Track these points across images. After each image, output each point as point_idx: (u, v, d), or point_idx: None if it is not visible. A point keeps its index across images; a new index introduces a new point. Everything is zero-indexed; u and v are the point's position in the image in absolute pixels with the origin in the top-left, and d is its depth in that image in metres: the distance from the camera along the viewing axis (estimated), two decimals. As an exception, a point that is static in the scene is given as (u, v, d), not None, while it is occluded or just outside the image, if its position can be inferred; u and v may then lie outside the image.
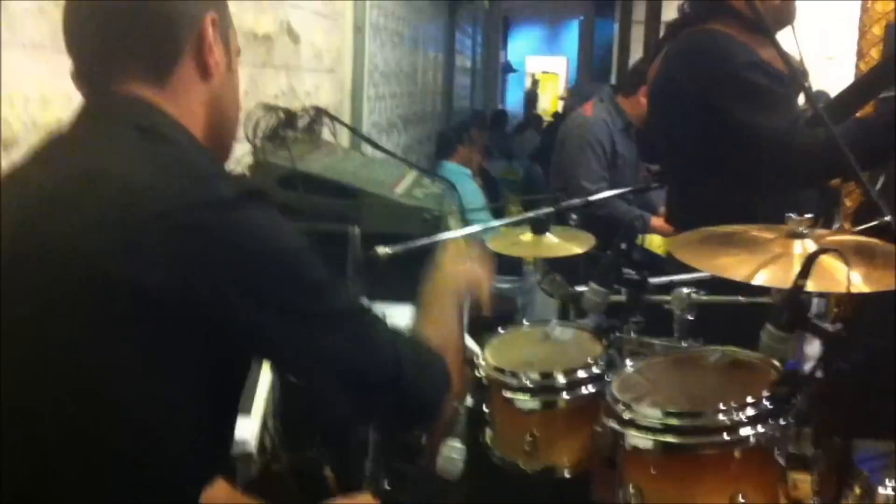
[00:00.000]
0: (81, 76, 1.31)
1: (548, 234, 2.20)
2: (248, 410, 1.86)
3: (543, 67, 17.91)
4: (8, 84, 1.73)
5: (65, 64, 1.30)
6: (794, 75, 2.04)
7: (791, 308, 1.61)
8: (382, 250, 2.00)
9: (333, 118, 3.00)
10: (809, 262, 1.57)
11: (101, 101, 1.30)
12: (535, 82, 17.75)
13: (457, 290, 1.62)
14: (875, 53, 4.38)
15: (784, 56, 1.87)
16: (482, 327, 2.06)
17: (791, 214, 1.80)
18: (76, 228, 1.10)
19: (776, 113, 2.16)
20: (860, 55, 4.51)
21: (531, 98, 17.19)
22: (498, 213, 5.01)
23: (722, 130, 2.19)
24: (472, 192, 5.33)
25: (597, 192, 3.40)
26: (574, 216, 2.47)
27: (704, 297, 2.02)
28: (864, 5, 4.44)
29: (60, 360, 1.11)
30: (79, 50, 1.31)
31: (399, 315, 2.32)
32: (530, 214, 2.20)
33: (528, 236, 2.21)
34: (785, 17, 2.24)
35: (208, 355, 1.15)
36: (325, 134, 3.06)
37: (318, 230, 2.30)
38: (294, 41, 3.47)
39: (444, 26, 8.24)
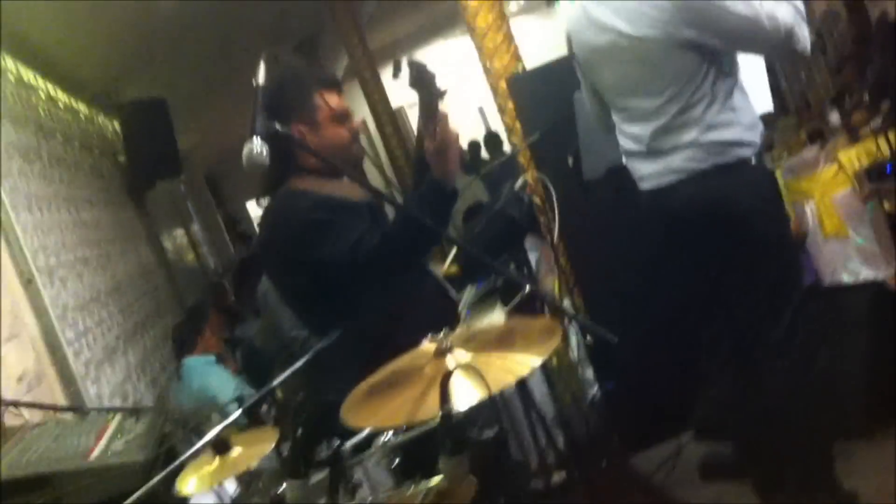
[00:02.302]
0: None
1: (233, 448, 2.09)
2: None
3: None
4: None
5: None
6: (376, 196, 2.39)
7: (448, 434, 1.66)
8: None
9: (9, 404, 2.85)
10: (444, 391, 1.63)
11: None
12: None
13: None
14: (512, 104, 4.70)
15: (362, 183, 2.33)
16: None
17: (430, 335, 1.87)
18: None
19: (340, 239, 2.34)
20: (501, 110, 4.82)
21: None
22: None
23: (310, 271, 2.40)
24: (220, 383, 5.16)
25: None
26: (265, 406, 2.44)
27: (401, 438, 2.05)
28: (484, 65, 4.76)
29: None
30: None
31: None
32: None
33: (214, 461, 2.08)
34: (353, 157, 2.57)
35: None
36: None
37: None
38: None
39: (136, 217, 8.09)
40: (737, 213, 2.57)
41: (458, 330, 1.98)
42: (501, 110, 4.80)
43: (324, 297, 2.46)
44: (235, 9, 7.74)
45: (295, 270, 2.47)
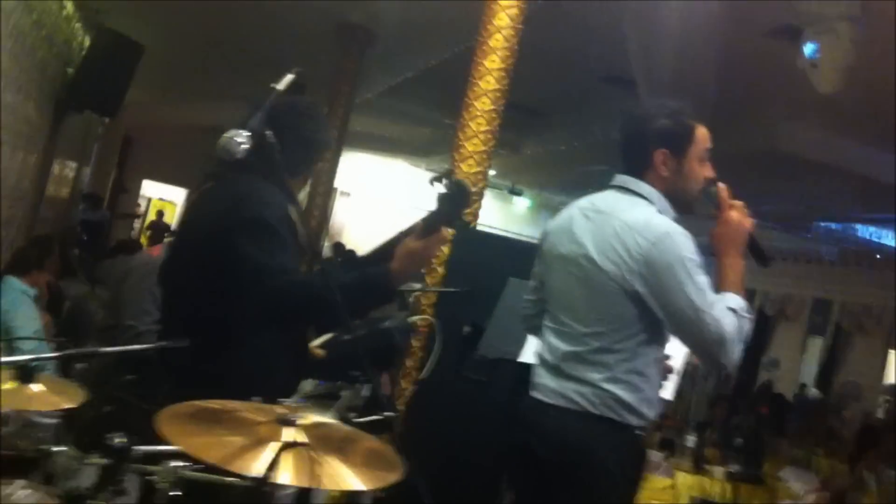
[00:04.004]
0: None
1: (32, 384, 1.92)
2: None
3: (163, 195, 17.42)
4: None
5: None
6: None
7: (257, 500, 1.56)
8: None
9: None
10: (277, 457, 1.54)
11: None
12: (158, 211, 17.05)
13: None
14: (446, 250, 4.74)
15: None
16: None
17: (282, 400, 1.79)
18: None
19: (276, 253, 2.30)
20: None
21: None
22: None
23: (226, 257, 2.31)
24: (26, 317, 4.84)
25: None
26: (78, 365, 2.27)
27: (195, 473, 1.91)
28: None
29: None
30: None
31: None
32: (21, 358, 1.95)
33: (10, 384, 1.91)
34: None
35: None
36: None
37: None
38: None
39: (45, 127, 7.75)
40: (597, 471, 2.55)
41: (313, 412, 1.90)
42: (433, 250, 4.82)
43: (217, 293, 2.33)
44: (257, 20, 7.75)
45: (214, 248, 2.33)
